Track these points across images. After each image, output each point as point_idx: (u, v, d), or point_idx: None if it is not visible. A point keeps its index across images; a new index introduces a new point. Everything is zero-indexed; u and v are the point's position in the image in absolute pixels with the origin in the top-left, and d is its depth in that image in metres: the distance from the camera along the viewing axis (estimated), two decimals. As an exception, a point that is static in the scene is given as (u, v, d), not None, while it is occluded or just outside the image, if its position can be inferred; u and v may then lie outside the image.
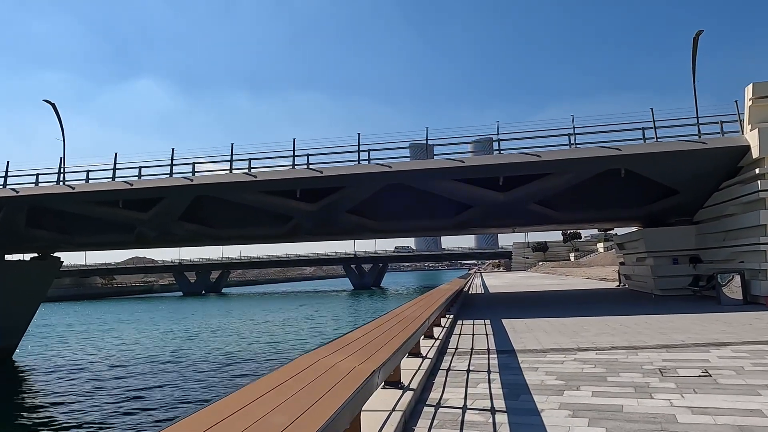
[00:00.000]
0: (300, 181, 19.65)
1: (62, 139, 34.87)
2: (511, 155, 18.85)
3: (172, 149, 20.87)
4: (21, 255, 30.18)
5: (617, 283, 31.81)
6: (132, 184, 20.54)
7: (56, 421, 16.10)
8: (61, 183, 21.73)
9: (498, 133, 19.32)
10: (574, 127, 18.99)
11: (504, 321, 13.97)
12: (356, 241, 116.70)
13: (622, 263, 29.66)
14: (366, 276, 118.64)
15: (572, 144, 19.34)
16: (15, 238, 24.29)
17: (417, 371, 6.79)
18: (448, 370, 7.65)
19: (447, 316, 14.21)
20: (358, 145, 19.94)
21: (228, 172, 20.48)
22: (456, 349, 9.60)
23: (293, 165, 20.10)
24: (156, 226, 22.43)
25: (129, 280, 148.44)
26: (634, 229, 27.95)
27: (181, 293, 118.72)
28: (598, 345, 9.48)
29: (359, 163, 19.93)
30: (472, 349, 9.55)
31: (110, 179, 21.51)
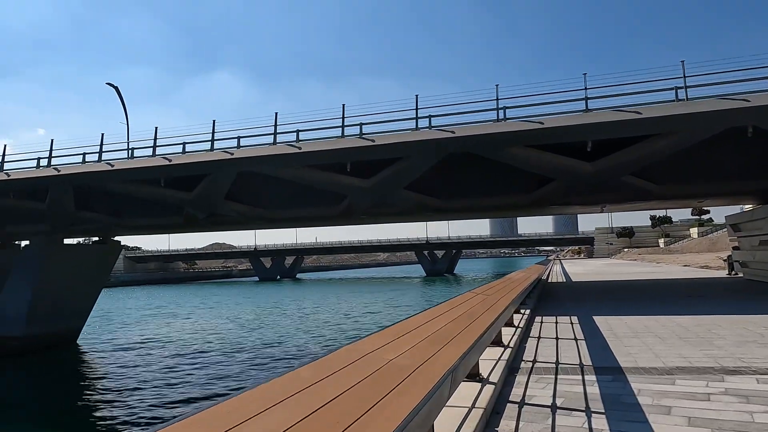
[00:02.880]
0: (349, 152, 17.19)
1: (126, 122, 34.61)
2: (602, 113, 15.41)
3: (213, 121, 19.06)
4: (78, 239, 29.87)
5: (727, 271, 27.24)
6: (170, 160, 18.91)
7: (112, 402, 15.83)
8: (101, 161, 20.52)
9: (585, 88, 15.87)
10: (684, 77, 15.22)
11: (596, 319, 10.87)
12: (428, 226, 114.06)
13: (735, 248, 25.15)
14: (439, 262, 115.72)
15: (679, 99, 15.59)
16: (66, 220, 23.55)
17: (468, 414, 4.10)
18: (520, 406, 4.86)
19: (522, 311, 11.27)
20: (416, 109, 17.19)
21: (272, 144, 18.35)
22: (533, 362, 6.75)
23: (342, 134, 17.67)
24: (202, 206, 20.77)
25: (210, 265, 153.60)
26: (749, 206, 23.46)
27: (257, 278, 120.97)
28: (754, 364, 6.33)
29: (417, 130, 17.19)
30: (557, 363, 6.66)
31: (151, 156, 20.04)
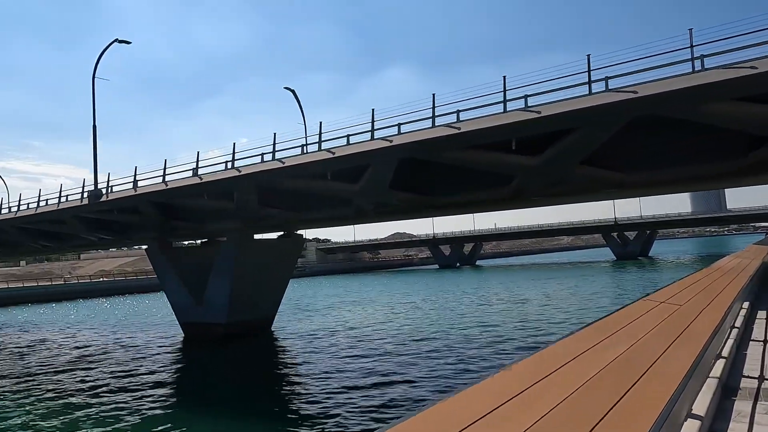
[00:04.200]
0: (514, 127, 15.64)
1: (303, 122, 36.77)
2: None
3: (372, 110, 18.86)
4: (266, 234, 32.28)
5: None
6: (334, 153, 19.15)
7: (300, 382, 16.74)
8: (275, 159, 21.62)
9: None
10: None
11: None
12: (616, 205, 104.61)
13: None
14: (630, 244, 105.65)
15: None
16: (252, 217, 25.51)
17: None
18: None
19: (743, 305, 8.84)
20: (588, 71, 14.98)
21: (430, 127, 17.53)
22: (760, 380, 4.91)
23: (504, 109, 16.16)
24: (369, 197, 20.83)
25: (392, 254, 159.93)
26: None
27: (437, 266, 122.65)
28: None
29: (591, 95, 14.99)
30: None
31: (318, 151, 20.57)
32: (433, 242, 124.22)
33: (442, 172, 19.52)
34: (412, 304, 40.42)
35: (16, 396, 17.28)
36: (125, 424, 13.39)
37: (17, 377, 20.73)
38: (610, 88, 15.04)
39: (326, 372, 18.15)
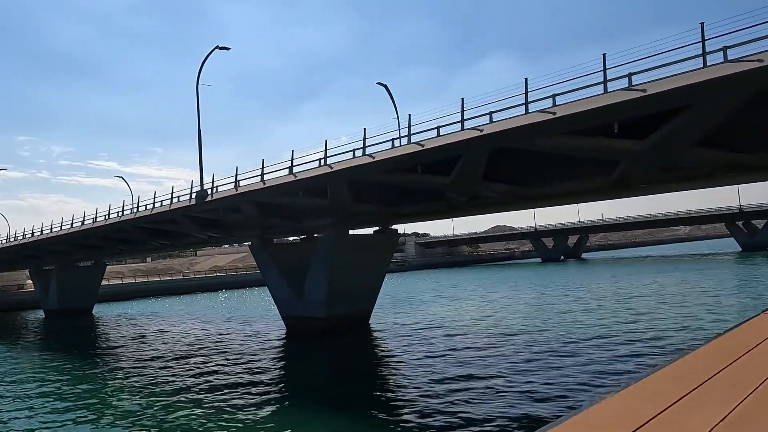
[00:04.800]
0: (615, 108, 14.36)
1: (396, 117, 36.73)
2: None
3: (462, 99, 18.21)
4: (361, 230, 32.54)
5: None
6: (423, 145, 18.73)
7: (394, 381, 16.59)
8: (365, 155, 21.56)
9: None
10: None
11: None
12: (740, 191, 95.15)
13: None
14: (759, 234, 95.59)
15: None
16: (345, 212, 25.78)
17: None
18: None
19: None
20: (702, 41, 13.37)
21: (523, 114, 16.58)
22: None
23: (605, 90, 14.89)
24: (461, 189, 20.24)
25: (492, 248, 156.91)
26: None
27: (539, 259, 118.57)
28: None
29: (705, 67, 13.37)
30: None
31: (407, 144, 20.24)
32: (534, 235, 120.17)
33: (537, 162, 18.49)
34: (514, 299, 39.20)
35: (131, 381, 18.73)
36: (227, 414, 13.93)
37: (136, 363, 22.54)
38: (729, 59, 13.35)
39: (423, 368, 17.92)
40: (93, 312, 53.39)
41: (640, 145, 15.21)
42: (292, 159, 24.13)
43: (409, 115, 20.46)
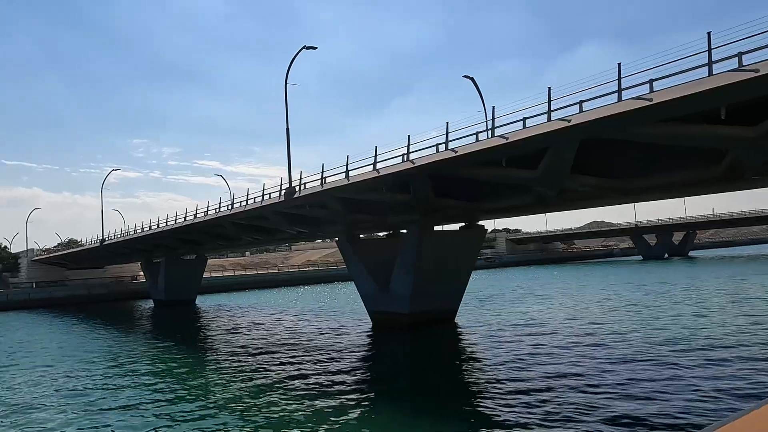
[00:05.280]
0: (722, 92, 12.94)
1: (483, 110, 35.90)
2: None
3: (549, 88, 17.27)
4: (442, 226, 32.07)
5: None
6: (507, 138, 17.99)
7: (476, 382, 16.18)
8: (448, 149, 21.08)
9: None
10: None
11: None
12: None
13: None
14: None
15: None
16: (428, 208, 25.48)
17: None
18: None
19: None
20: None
21: (615, 102, 15.40)
22: None
23: (709, 72, 13.47)
24: (549, 183, 19.27)
25: (588, 244, 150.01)
26: None
27: (640, 257, 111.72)
28: None
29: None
30: None
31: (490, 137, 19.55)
32: (635, 231, 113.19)
33: (632, 152, 17.21)
34: (611, 299, 37.09)
35: (226, 367, 19.65)
36: (310, 404, 14.17)
37: (230, 352, 23.66)
38: None
39: (509, 368, 17.40)
40: (196, 302, 56.92)
41: (751, 132, 13.67)
42: (375, 155, 24.16)
43: (493, 107, 19.78)
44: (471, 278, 31.62)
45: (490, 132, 19.57)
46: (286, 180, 30.03)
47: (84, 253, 66.55)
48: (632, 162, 17.47)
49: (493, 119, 19.50)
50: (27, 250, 78.62)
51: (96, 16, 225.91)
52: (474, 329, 27.20)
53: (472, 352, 21.57)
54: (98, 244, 60.11)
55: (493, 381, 15.91)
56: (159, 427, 13.11)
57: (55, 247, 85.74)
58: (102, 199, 64.17)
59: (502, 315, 31.94)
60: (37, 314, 54.11)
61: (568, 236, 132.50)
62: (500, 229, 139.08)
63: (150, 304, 59.52)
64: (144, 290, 66.18)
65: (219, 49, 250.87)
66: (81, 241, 77.95)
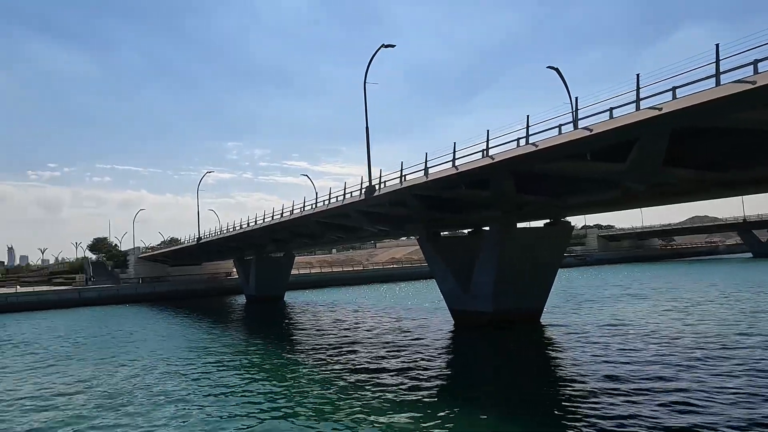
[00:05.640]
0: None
1: (569, 101, 34.43)
2: None
3: (637, 75, 16.16)
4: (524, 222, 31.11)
5: None
6: (592, 130, 17.04)
7: (559, 385, 15.62)
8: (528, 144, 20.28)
9: None
10: None
11: None
12: None
13: None
14: None
15: None
16: (510, 204, 24.76)
17: None
18: None
19: None
20: None
21: (713, 87, 14.11)
22: None
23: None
24: (638, 177, 18.04)
25: (689, 240, 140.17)
26: None
27: (750, 254, 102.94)
28: None
29: None
30: None
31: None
32: (743, 226, 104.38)
33: (733, 141, 15.75)
34: (714, 300, 34.40)
35: (311, 362, 20.21)
36: (391, 402, 14.21)
37: (316, 347, 24.33)
38: None
39: (595, 371, 16.62)
40: (284, 299, 59.02)
41: None
42: (454, 151, 23.78)
43: (576, 97, 18.84)
44: (559, 277, 30.39)
45: (573, 124, 18.65)
46: (366, 178, 30.32)
47: (182, 251, 70.89)
48: (735, 151, 16.01)
49: (576, 110, 18.59)
50: (134, 248, 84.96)
51: (194, 27, 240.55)
52: (560, 329, 26.17)
53: (555, 353, 20.76)
54: (194, 243, 63.82)
55: (580, 385, 15.20)
56: (250, 417, 13.69)
57: (158, 245, 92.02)
58: (198, 199, 67.79)
59: (591, 315, 30.52)
60: (141, 306, 58.46)
61: (666, 232, 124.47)
62: (591, 225, 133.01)
63: (242, 299, 62.42)
64: (237, 286, 69.47)
65: (306, 52, 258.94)
66: (181, 240, 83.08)
